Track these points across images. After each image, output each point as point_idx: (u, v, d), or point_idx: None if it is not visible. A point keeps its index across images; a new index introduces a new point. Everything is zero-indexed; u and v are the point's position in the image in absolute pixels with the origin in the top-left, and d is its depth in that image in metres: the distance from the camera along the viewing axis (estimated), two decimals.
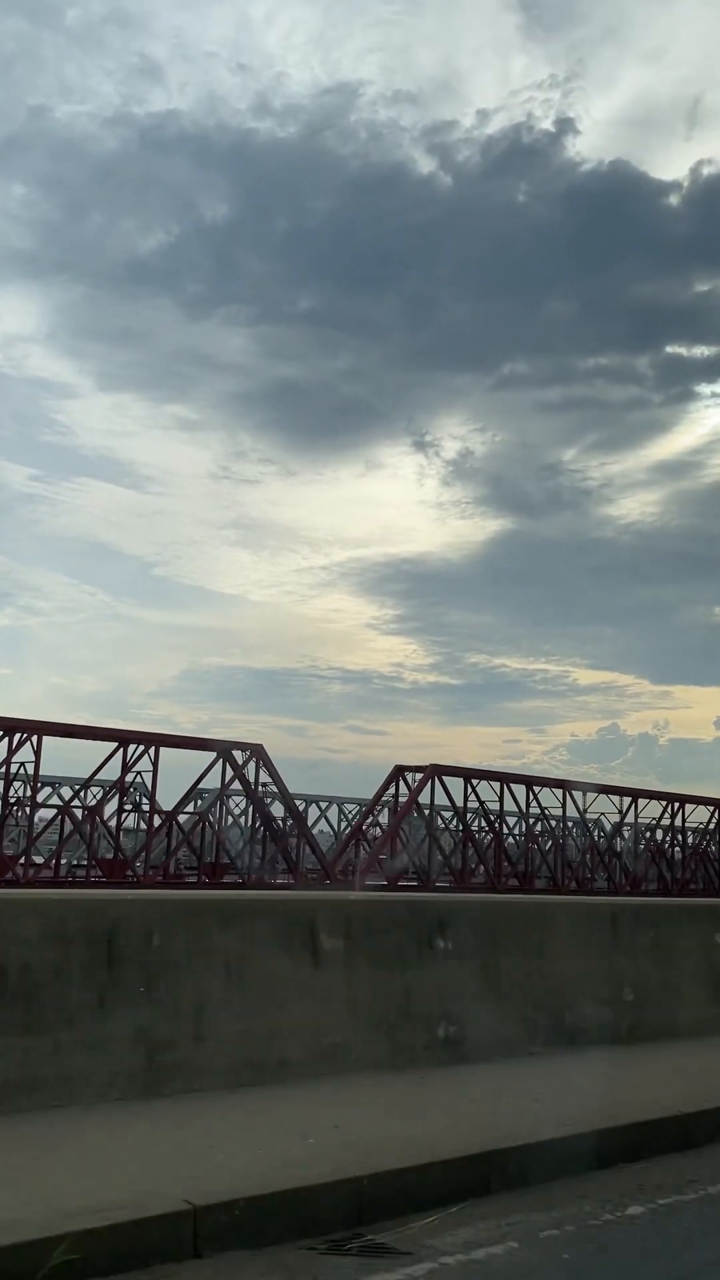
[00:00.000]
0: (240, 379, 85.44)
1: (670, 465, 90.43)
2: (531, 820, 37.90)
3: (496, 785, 35.08)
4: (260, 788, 29.04)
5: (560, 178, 75.70)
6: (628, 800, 38.65)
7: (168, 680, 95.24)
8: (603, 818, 39.81)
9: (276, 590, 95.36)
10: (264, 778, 28.45)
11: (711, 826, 40.73)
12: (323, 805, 42.71)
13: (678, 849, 41.41)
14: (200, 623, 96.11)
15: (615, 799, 38.07)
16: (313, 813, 43.24)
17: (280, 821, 30.03)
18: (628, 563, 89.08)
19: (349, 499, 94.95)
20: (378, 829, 35.01)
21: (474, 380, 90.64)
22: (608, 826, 40.51)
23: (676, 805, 40.05)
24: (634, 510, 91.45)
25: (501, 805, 34.52)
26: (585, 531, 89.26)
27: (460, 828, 35.26)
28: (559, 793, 36.17)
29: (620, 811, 38.27)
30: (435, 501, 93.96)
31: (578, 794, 37.63)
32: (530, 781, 36.47)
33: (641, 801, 39.30)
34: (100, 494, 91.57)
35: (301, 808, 42.22)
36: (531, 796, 36.39)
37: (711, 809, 40.68)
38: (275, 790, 29.43)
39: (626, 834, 40.97)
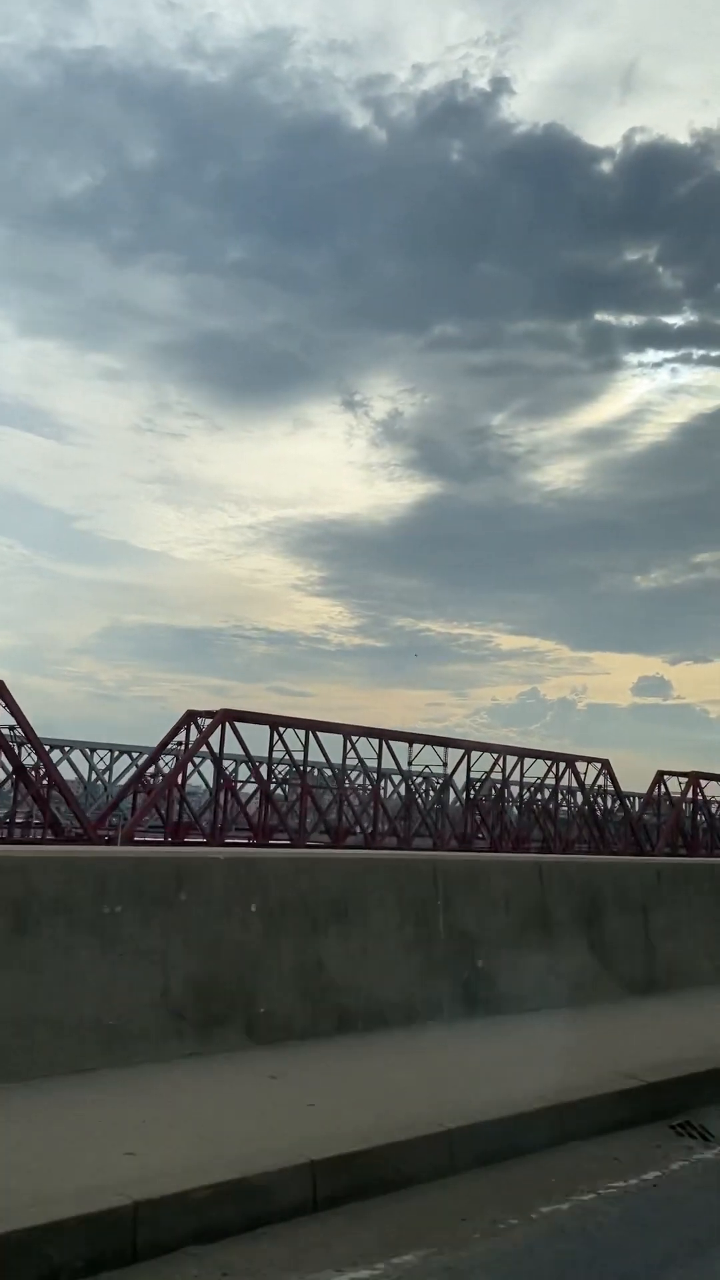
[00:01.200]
0: (166, 329, 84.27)
1: (596, 434, 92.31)
2: (352, 773, 34.88)
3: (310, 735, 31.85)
4: (8, 730, 25.20)
5: (495, 139, 75.32)
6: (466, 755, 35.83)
7: (89, 637, 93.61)
8: (429, 769, 36.99)
9: (202, 548, 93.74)
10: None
11: (549, 781, 38.18)
12: (114, 754, 38.95)
13: (515, 805, 38.96)
14: (123, 579, 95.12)
15: (440, 751, 35.13)
16: (108, 762, 39.62)
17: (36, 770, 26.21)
18: (552, 530, 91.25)
19: (277, 457, 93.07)
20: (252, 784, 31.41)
21: (404, 340, 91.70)
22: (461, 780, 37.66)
23: (513, 760, 37.40)
24: (559, 477, 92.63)
25: (306, 755, 31.25)
26: (511, 498, 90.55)
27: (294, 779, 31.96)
28: (375, 743, 33.05)
29: (444, 764, 35.39)
30: (364, 463, 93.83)
31: (404, 747, 34.69)
32: (348, 731, 33.26)
33: (475, 755, 36.57)
34: (19, 443, 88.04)
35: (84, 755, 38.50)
36: (349, 746, 33.26)
37: (549, 763, 38.08)
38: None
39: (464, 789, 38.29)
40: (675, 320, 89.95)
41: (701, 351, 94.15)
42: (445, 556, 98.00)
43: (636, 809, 41.99)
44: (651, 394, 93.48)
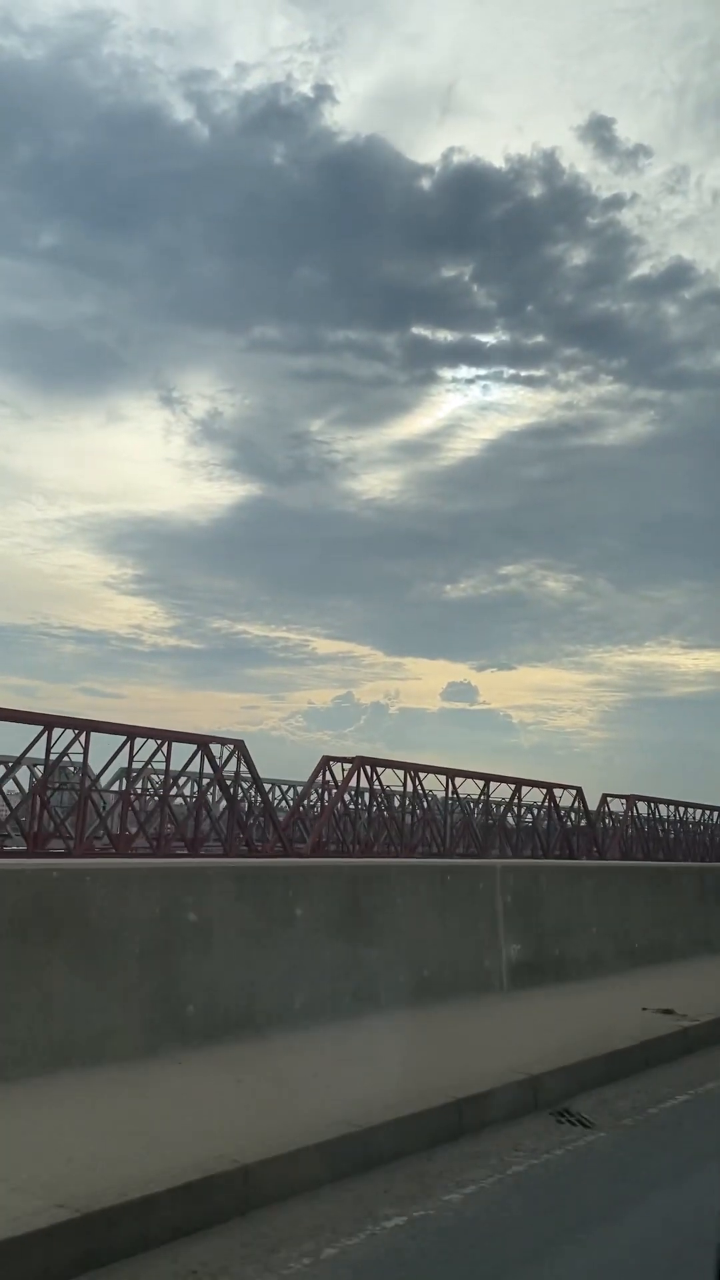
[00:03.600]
0: None
1: (411, 445, 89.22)
2: None
3: None
4: None
5: (317, 145, 72.18)
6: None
7: None
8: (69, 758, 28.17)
9: (6, 541, 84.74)
10: None
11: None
12: None
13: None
14: None
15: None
16: None
17: None
18: (368, 537, 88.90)
19: (89, 450, 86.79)
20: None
21: (224, 339, 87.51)
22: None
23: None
24: (376, 486, 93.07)
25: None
26: (329, 504, 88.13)
27: None
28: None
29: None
30: (182, 460, 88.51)
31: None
32: None
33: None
34: None
35: None
36: None
37: (159, 742, 29.59)
38: None
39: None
40: (488, 339, 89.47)
41: (512, 370, 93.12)
42: (264, 559, 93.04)
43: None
44: (464, 409, 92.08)
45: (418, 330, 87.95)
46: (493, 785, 42.11)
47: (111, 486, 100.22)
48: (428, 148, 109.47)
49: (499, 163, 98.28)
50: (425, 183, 77.57)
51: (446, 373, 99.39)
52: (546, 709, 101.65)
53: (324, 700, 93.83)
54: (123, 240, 78.11)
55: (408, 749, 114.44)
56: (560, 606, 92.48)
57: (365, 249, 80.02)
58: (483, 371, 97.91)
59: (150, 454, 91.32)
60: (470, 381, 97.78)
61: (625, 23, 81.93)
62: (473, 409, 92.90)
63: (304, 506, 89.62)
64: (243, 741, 31.64)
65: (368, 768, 35.06)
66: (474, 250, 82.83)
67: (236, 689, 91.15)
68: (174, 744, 29.96)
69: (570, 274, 79.54)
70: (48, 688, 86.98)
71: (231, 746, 31.66)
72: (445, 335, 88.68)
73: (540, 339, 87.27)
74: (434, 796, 39.90)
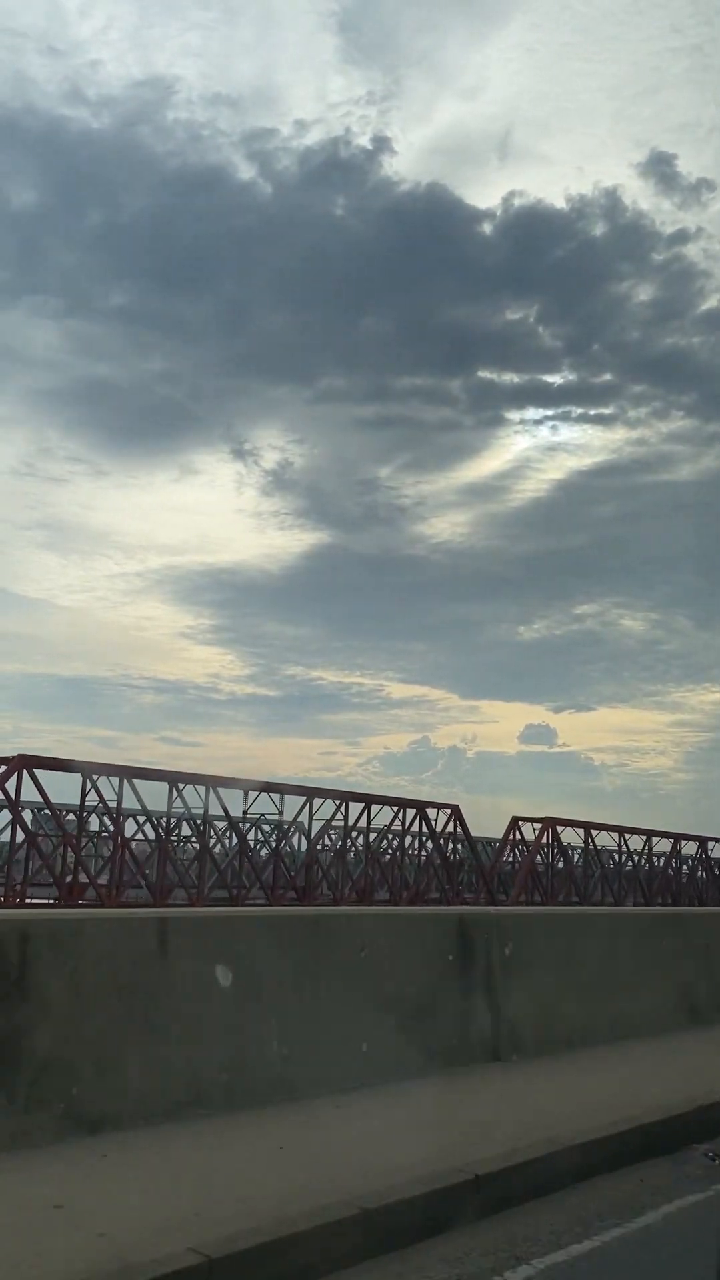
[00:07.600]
0: (47, 374, 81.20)
1: (478, 488, 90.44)
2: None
3: None
4: None
5: (377, 195, 75.04)
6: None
7: None
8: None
9: (86, 596, 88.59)
10: None
11: None
12: None
13: None
14: (2, 627, 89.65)
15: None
16: None
17: None
18: (438, 580, 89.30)
19: (164, 504, 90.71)
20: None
21: (292, 391, 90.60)
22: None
23: None
24: (445, 530, 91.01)
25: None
26: (399, 548, 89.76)
27: None
28: None
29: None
30: (254, 511, 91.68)
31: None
32: None
33: None
34: None
35: None
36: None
37: None
38: None
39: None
40: (555, 379, 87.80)
41: (580, 410, 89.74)
42: (336, 605, 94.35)
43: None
44: (531, 450, 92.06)
45: (484, 374, 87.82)
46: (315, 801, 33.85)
47: (186, 539, 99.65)
48: (487, 193, 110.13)
49: (560, 204, 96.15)
50: (486, 227, 78.32)
51: (514, 414, 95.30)
52: (629, 750, 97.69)
53: (400, 745, 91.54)
54: (190, 297, 79.19)
55: (487, 793, 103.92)
56: (639, 645, 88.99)
57: (429, 295, 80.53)
58: (550, 412, 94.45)
59: (223, 506, 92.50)
60: (538, 422, 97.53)
61: (679, 62, 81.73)
62: (541, 449, 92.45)
63: (374, 552, 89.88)
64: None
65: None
66: (538, 291, 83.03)
67: (313, 735, 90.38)
68: None
69: (636, 310, 78.82)
70: (128, 738, 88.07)
71: None
72: (511, 377, 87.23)
73: (608, 377, 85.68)
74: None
